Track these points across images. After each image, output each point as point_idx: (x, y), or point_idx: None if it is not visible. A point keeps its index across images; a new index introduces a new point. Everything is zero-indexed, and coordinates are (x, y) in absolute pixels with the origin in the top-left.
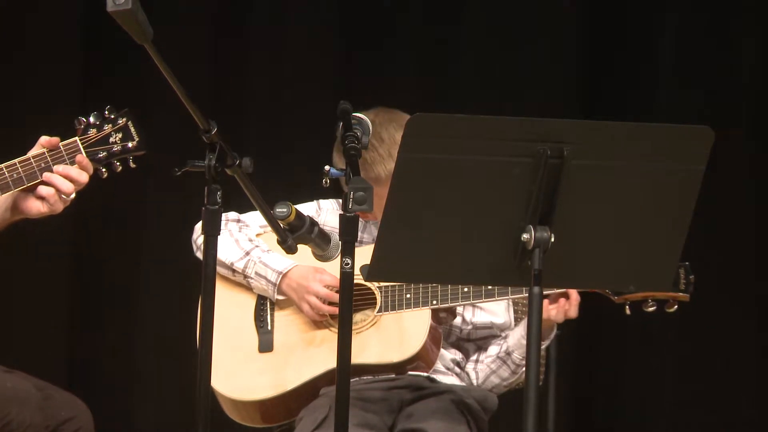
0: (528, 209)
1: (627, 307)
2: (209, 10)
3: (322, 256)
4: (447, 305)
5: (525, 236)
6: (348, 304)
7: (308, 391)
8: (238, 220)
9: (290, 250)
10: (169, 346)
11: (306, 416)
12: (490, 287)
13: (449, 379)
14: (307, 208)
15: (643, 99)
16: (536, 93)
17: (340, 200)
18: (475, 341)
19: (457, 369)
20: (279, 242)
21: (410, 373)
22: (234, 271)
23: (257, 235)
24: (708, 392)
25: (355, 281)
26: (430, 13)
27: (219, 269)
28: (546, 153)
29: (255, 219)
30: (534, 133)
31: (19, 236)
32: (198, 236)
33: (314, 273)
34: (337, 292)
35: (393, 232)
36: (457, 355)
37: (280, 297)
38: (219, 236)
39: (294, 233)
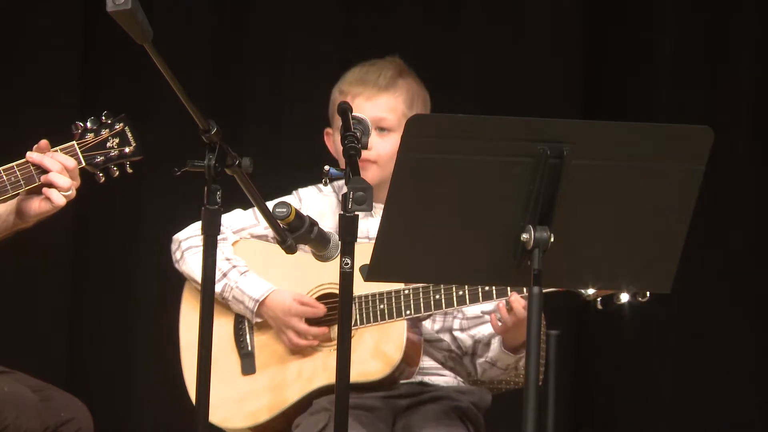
0: (528, 209)
1: (598, 302)
2: (209, 10)
3: (322, 256)
4: (420, 314)
5: (524, 236)
6: (348, 305)
7: (301, 410)
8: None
9: (290, 250)
10: (168, 347)
11: (303, 423)
12: (461, 293)
13: (443, 379)
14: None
15: (643, 99)
16: (536, 93)
17: (320, 185)
18: (467, 331)
19: (450, 363)
20: (279, 242)
21: (402, 382)
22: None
23: (234, 243)
24: (708, 392)
25: (332, 291)
26: (429, 13)
27: (196, 286)
28: (546, 153)
29: (229, 223)
30: (534, 133)
31: (19, 237)
32: (177, 248)
33: (291, 305)
34: (316, 322)
35: (393, 232)
36: (447, 337)
37: (259, 320)
38: (197, 254)
39: (294, 233)
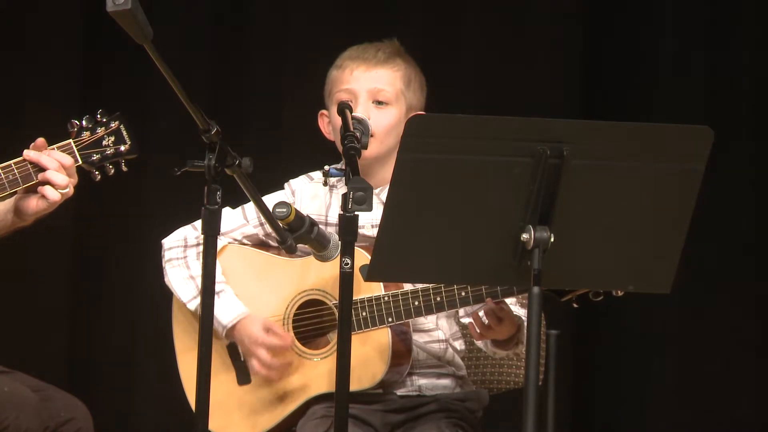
0: (528, 209)
1: (573, 302)
2: (209, 10)
3: (322, 256)
4: (402, 321)
5: (524, 236)
6: (348, 305)
7: (298, 418)
8: (198, 244)
9: (290, 249)
10: (168, 347)
11: (303, 429)
12: (438, 299)
13: (441, 383)
14: (279, 196)
15: (643, 99)
16: (536, 93)
17: (311, 174)
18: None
19: (447, 356)
20: (279, 242)
21: (398, 393)
22: (189, 310)
23: (222, 249)
24: (708, 392)
25: (316, 297)
26: (429, 14)
27: (179, 299)
28: (546, 153)
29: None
30: (534, 133)
31: (19, 236)
32: (162, 256)
33: (258, 335)
34: (304, 336)
35: (393, 232)
36: (444, 326)
37: (232, 340)
38: (176, 268)
39: (294, 233)
